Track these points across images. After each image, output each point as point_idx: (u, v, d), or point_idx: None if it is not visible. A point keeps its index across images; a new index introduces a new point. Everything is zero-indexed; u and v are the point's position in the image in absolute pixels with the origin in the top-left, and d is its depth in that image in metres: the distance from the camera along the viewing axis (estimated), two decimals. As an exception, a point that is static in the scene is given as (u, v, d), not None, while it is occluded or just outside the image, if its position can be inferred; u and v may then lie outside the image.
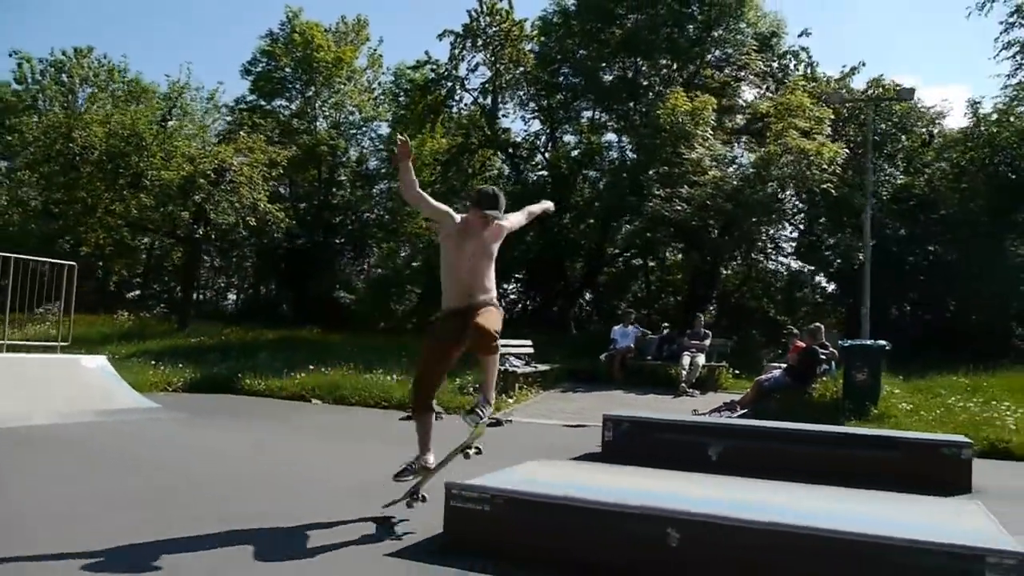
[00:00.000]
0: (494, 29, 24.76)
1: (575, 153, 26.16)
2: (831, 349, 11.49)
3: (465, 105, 26.24)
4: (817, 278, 24.31)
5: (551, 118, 26.06)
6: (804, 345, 11.21)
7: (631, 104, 22.99)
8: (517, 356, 13.20)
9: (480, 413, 4.73)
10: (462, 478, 4.38)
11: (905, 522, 3.79)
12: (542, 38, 24.12)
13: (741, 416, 10.60)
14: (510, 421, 10.60)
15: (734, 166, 17.86)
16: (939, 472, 6.50)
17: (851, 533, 3.40)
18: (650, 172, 17.71)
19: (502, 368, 12.66)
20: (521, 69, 25.25)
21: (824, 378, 11.48)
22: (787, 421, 8.86)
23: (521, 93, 25.98)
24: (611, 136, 25.81)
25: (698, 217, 17.60)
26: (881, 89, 19.11)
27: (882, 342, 11.01)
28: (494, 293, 4.98)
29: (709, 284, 23.84)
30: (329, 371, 13.23)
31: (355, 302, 27.20)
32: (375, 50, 30.77)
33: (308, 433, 9.53)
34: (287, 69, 29.08)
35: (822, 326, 12.09)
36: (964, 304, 18.82)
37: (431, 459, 4.86)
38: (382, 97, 30.65)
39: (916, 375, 13.60)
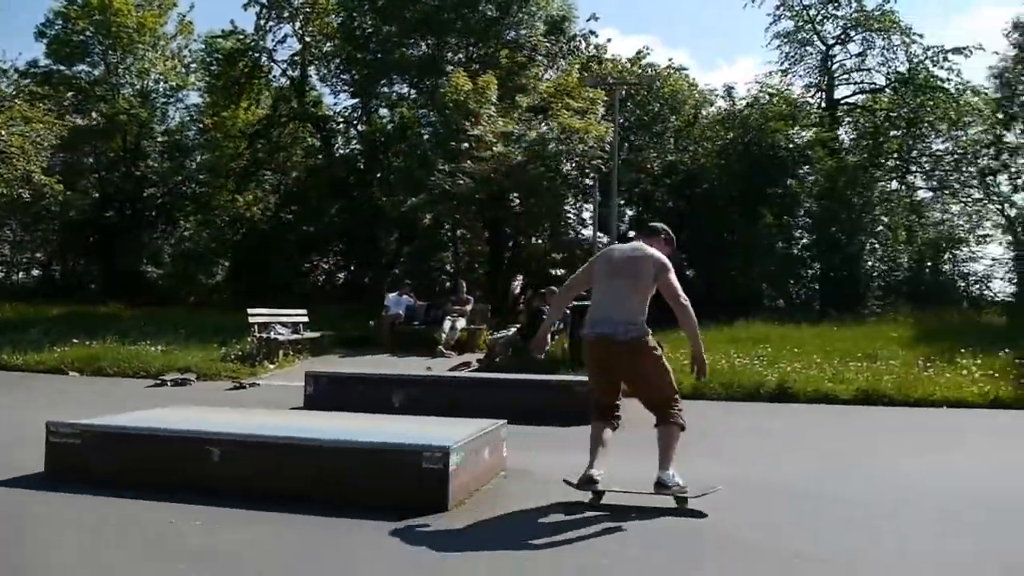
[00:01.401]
0: (300, 1, 24.87)
1: (389, 127, 26.68)
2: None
3: (274, 77, 26.25)
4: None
5: (364, 92, 26.41)
6: (535, 306, 12.44)
7: (435, 81, 23.76)
8: (283, 324, 13.75)
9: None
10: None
11: (398, 431, 4.81)
12: (347, 13, 24.32)
13: (474, 371, 11.76)
14: (256, 385, 11.25)
15: (521, 143, 18.94)
16: (575, 407, 7.72)
17: (334, 440, 4.38)
18: (429, 147, 18.59)
19: (267, 336, 13.30)
20: (330, 43, 25.51)
21: (557, 336, 12.81)
22: (518, 373, 10.08)
23: (332, 66, 26.21)
24: (424, 111, 26.59)
25: (483, 191, 18.68)
26: (644, 70, 20.86)
27: (600, 303, 12.40)
28: None
29: (514, 254, 25.25)
30: (92, 344, 13.35)
31: (162, 276, 26.71)
32: (184, 16, 29.92)
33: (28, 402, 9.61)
34: (87, 33, 27.81)
35: (556, 289, 13.37)
36: (725, 269, 20.95)
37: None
38: (194, 66, 29.91)
39: (672, 331, 15.29)
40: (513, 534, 4.03)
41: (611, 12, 57.97)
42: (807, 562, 3.65)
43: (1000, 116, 22.64)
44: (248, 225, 25.70)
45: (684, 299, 4.51)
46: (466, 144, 18.45)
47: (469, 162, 18.30)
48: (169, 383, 11.19)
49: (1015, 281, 23.39)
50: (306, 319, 14.87)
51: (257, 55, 25.01)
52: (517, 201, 21.53)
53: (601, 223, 22.60)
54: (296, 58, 25.73)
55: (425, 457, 4.21)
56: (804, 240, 23.47)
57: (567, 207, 23.78)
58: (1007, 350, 11.52)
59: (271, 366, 12.77)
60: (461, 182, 18.12)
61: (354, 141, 27.73)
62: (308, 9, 24.48)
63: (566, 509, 4.48)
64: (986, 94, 23.50)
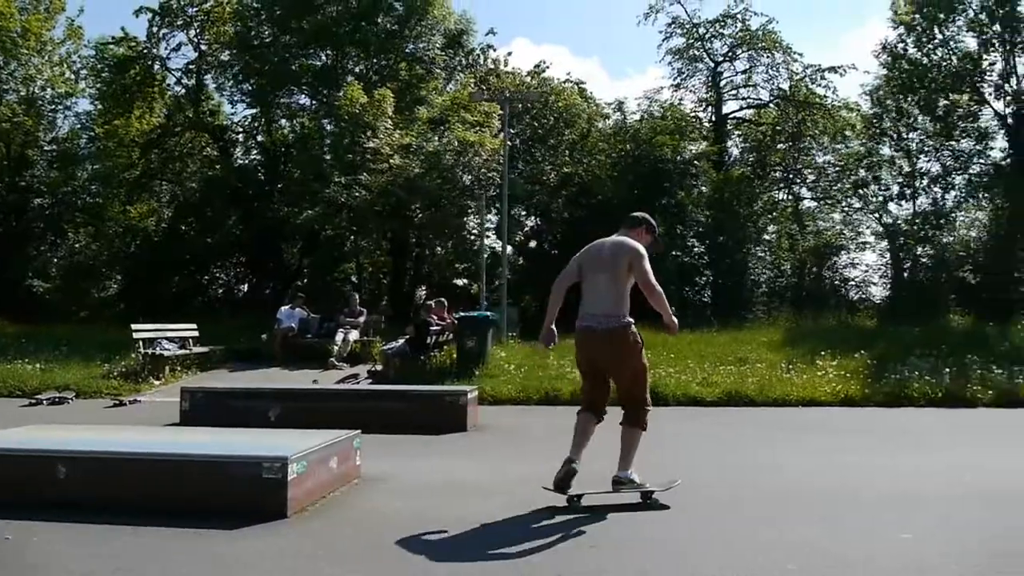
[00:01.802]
0: (194, 9, 24.46)
1: (291, 138, 26.46)
2: (450, 320, 13.09)
3: (169, 85, 25.69)
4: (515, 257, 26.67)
5: (263, 102, 26.11)
6: (420, 318, 12.71)
7: (334, 92, 23.75)
8: (170, 339, 13.58)
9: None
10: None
11: (247, 443, 5.01)
12: (243, 23, 24.05)
13: (363, 382, 11.93)
14: (137, 402, 11.10)
15: (419, 156, 19.18)
16: (442, 416, 8.03)
17: (177, 454, 4.54)
18: (329, 158, 18.65)
19: (153, 351, 13.11)
20: (227, 52, 25.16)
21: (446, 346, 13.11)
22: (401, 385, 10.28)
23: (229, 76, 25.82)
24: (326, 121, 26.50)
25: (380, 203, 18.83)
26: (542, 83, 21.46)
27: (488, 314, 12.80)
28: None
29: (417, 265, 25.45)
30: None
31: (49, 290, 25.72)
32: (73, 20, 28.89)
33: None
34: (-34, 37, 26.58)
35: (444, 301, 13.76)
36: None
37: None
38: (84, 72, 28.92)
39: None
40: (347, 538, 4.27)
41: (523, 22, 58.82)
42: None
43: (871, 131, 24.14)
44: (142, 237, 25.05)
45: (653, 281, 4.75)
46: (361, 156, 18.59)
47: (366, 174, 18.44)
48: (45, 402, 10.91)
49: (888, 286, 24.96)
50: (196, 334, 14.68)
51: (150, 63, 24.44)
52: (419, 213, 21.76)
53: (500, 233, 23.08)
54: (191, 66, 25.27)
55: (264, 468, 4.41)
56: (697, 249, 24.52)
57: (468, 218, 24.14)
58: (863, 352, 12.43)
59: (156, 382, 12.59)
60: (358, 194, 18.24)
61: (254, 151, 27.39)
62: (203, 17, 24.09)
63: (412, 514, 4.74)
64: (859, 111, 25.02)
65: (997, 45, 21.84)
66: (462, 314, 12.99)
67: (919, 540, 4.02)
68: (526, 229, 24.32)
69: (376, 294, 26.11)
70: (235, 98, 26.05)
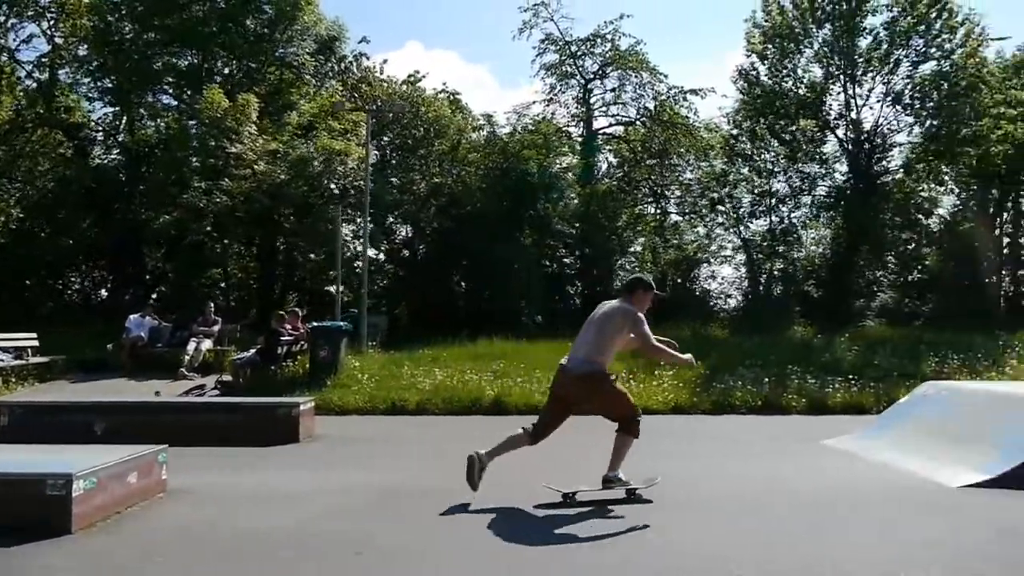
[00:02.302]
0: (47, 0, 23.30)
1: (154, 138, 25.51)
2: (302, 330, 13.05)
3: (18, 79, 24.29)
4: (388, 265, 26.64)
5: (124, 101, 25.09)
6: (271, 328, 12.62)
7: (200, 94, 23.12)
8: (3, 350, 12.93)
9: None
10: None
11: (27, 461, 4.98)
12: (102, 17, 23.06)
13: (210, 393, 11.74)
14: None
15: (284, 162, 18.93)
16: (274, 427, 8.06)
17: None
18: (192, 163, 18.18)
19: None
20: (84, 47, 24.06)
21: (300, 356, 13.06)
22: (253, 396, 10.16)
23: (87, 71, 24.70)
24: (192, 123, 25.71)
25: (243, 209, 18.49)
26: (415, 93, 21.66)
27: (342, 323, 12.86)
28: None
29: (287, 271, 25.05)
30: None
31: None
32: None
33: None
34: None
35: (298, 310, 13.74)
36: (489, 288, 22.04)
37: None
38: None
39: (425, 349, 15.91)
40: (124, 552, 4.29)
41: (415, 25, 58.72)
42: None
43: (728, 151, 25.54)
44: (-13, 238, 23.57)
45: (653, 343, 5.54)
46: (224, 161, 18.21)
47: (227, 180, 18.06)
48: None
49: (741, 298, 26.44)
50: (35, 343, 14.04)
51: (-5, 55, 23.10)
52: (288, 219, 21.47)
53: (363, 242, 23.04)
54: (44, 60, 24.02)
55: (48, 484, 4.40)
56: (567, 260, 25.26)
57: (341, 227, 23.98)
58: (699, 361, 13.17)
59: (-13, 395, 11.95)
60: (219, 200, 17.84)
61: (115, 151, 26.25)
62: (57, 9, 22.95)
63: (205, 526, 4.80)
64: (718, 131, 26.42)
65: (839, 77, 23.55)
66: (315, 324, 12.97)
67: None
68: (397, 239, 24.37)
69: (245, 301, 25.54)
70: (93, 95, 24.96)
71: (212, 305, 15.41)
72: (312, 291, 26.00)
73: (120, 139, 25.75)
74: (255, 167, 18.57)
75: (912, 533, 4.52)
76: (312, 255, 25.12)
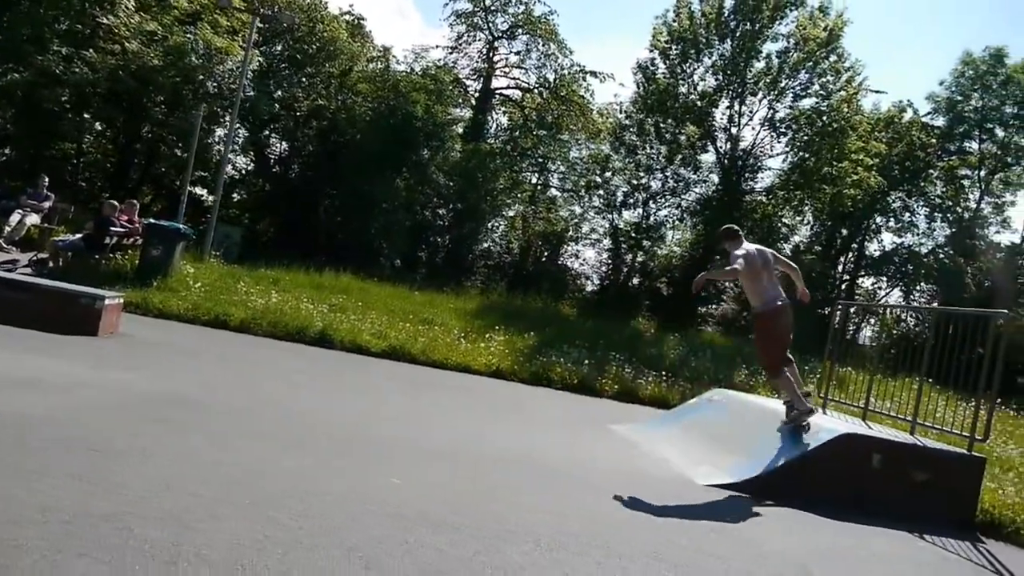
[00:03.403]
0: None
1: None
2: (137, 225, 12.49)
3: None
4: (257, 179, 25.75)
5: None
6: (103, 215, 12.01)
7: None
8: None
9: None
10: None
11: None
12: None
13: (21, 270, 11.07)
14: None
15: (160, 47, 17.79)
16: (73, 317, 7.73)
17: None
18: (60, 25, 16.83)
19: None
20: None
21: (131, 251, 12.50)
22: (67, 281, 9.60)
23: None
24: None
25: (104, 87, 17.35)
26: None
27: (180, 226, 12.38)
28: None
29: (148, 161, 23.78)
30: None
31: None
32: None
33: None
34: None
35: (135, 202, 13.11)
36: (354, 222, 21.74)
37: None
38: None
39: (268, 269, 15.53)
40: None
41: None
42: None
43: (613, 139, 26.15)
44: None
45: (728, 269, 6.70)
46: (92, 31, 16.98)
47: (92, 51, 16.87)
48: None
49: (598, 283, 27.34)
50: None
51: None
52: (160, 109, 20.35)
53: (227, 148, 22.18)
54: None
55: None
56: (440, 211, 25.24)
57: (216, 127, 22.93)
58: (532, 333, 13.61)
59: None
60: (77, 71, 16.65)
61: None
62: None
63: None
64: (610, 117, 26.99)
65: (729, 92, 24.51)
66: (150, 221, 12.44)
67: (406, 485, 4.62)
68: (271, 153, 23.60)
69: (97, 184, 24.07)
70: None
71: (46, 178, 14.37)
72: (170, 188, 24.80)
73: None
74: (126, 44, 17.42)
75: (626, 512, 4.86)
76: (177, 151, 23.99)
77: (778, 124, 24.04)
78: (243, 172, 25.38)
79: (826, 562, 4.40)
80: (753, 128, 24.91)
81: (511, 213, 26.33)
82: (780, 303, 6.82)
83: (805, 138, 23.83)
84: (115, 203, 12.58)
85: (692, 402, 8.99)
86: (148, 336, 8.71)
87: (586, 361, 12.01)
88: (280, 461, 4.52)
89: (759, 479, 6.28)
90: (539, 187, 28.18)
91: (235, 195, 24.96)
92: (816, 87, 23.87)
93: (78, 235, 12.03)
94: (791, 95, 23.99)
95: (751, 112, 24.51)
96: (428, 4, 55.64)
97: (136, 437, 4.46)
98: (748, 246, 6.99)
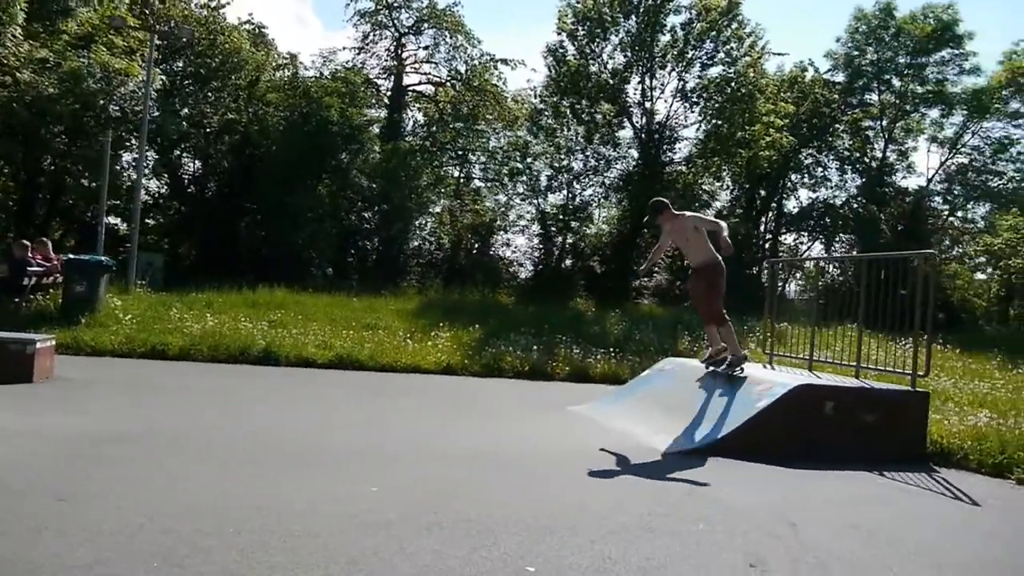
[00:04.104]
0: None
1: None
2: (56, 262, 11.99)
3: None
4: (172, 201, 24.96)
5: None
6: (17, 256, 11.49)
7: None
8: None
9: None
10: None
11: None
12: None
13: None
14: None
15: (55, 75, 17.03)
16: (5, 363, 7.38)
17: None
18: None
19: None
20: None
21: (52, 290, 11.99)
22: None
23: None
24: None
25: None
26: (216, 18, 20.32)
27: (102, 258, 11.93)
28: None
29: (53, 195, 22.84)
30: None
31: None
32: None
33: None
34: None
35: (46, 240, 12.61)
36: (279, 235, 21.30)
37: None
38: None
39: (200, 293, 15.12)
40: None
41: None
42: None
43: (531, 125, 26.28)
44: None
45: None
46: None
47: (-20, 85, 16.05)
48: None
49: (532, 268, 27.50)
50: None
51: None
52: (63, 140, 19.53)
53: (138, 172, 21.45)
54: None
55: None
56: (365, 214, 24.93)
57: (123, 152, 22.14)
58: (476, 326, 13.62)
59: None
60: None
61: None
62: None
63: None
64: (525, 103, 27.10)
65: (638, 68, 24.89)
66: (70, 256, 11.96)
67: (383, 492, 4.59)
68: (183, 173, 22.93)
69: (1, 223, 22.97)
70: None
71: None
72: (81, 221, 23.86)
73: None
74: (17, 75, 16.60)
75: (601, 488, 4.96)
76: (84, 181, 23.07)
77: (689, 94, 24.57)
78: (157, 196, 24.59)
79: (802, 511, 4.56)
80: (666, 101, 25.49)
81: (437, 209, 26.23)
82: (720, 258, 7.35)
83: (716, 106, 24.40)
84: (26, 242, 12.01)
85: (644, 374, 9.14)
86: (85, 376, 8.37)
87: (534, 347, 12.09)
88: (247, 483, 4.43)
89: (720, 440, 6.45)
90: (462, 180, 28.15)
91: (150, 220, 24.15)
92: (721, 55, 24.48)
93: (-6, 279, 11.48)
94: (699, 65, 24.57)
95: (662, 85, 25.02)
96: (327, 9, 54.76)
97: (96, 480, 4.32)
98: (677, 214, 7.61)
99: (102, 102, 17.02)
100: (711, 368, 7.66)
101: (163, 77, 17.84)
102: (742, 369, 7.43)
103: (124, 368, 9.49)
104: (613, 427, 7.31)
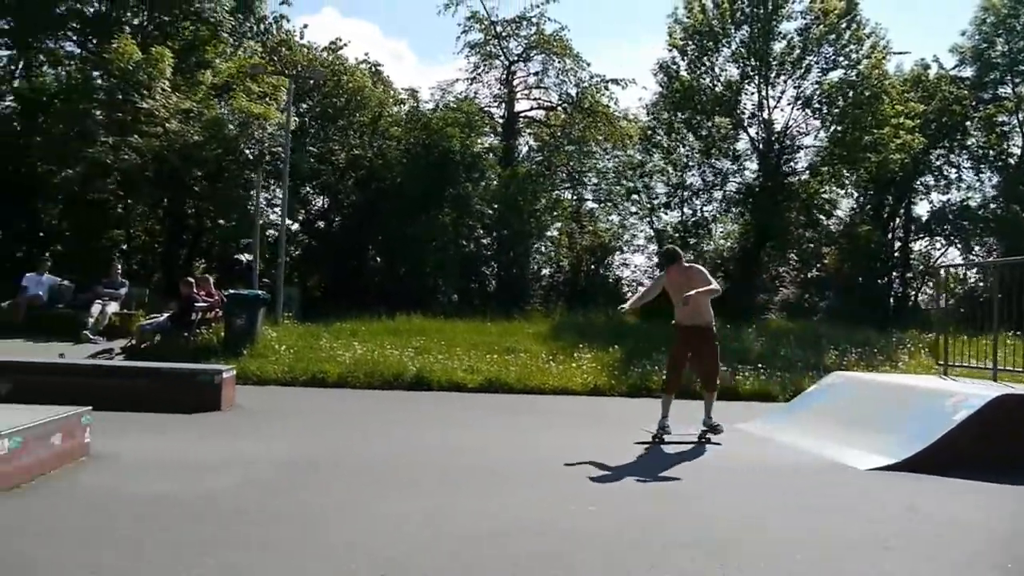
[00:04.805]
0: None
1: (54, 87, 23.99)
2: (218, 297, 12.66)
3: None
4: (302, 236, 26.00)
5: (22, 45, 23.48)
6: (184, 294, 12.20)
7: (107, 43, 21.89)
8: None
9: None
10: None
11: None
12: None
13: (117, 358, 11.25)
14: None
15: (198, 123, 18.19)
16: (196, 395, 7.83)
17: None
18: (97, 116, 17.25)
19: None
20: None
21: (214, 324, 12.67)
22: (163, 362, 9.74)
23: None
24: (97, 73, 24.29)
25: (153, 168, 17.73)
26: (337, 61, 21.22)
27: (259, 292, 12.54)
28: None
29: (195, 236, 24.19)
30: None
31: None
32: None
33: None
34: None
35: (209, 277, 13.28)
36: (404, 265, 21.86)
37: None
38: None
39: (343, 323, 15.66)
40: (57, 514, 4.14)
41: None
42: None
43: (646, 143, 26.08)
44: None
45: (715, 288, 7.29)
46: (133, 117, 17.38)
47: (136, 136, 17.24)
48: None
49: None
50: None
51: None
52: (200, 183, 20.71)
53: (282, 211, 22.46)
54: (-64, -4, 22.20)
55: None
56: (484, 240, 25.27)
57: (252, 192, 23.27)
58: (616, 346, 13.52)
59: None
60: (126, 156, 17.02)
61: (9, 98, 24.55)
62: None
63: (130, 491, 4.65)
64: (637, 122, 26.94)
65: (754, 78, 24.36)
66: (231, 292, 12.61)
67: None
68: (315, 208, 23.90)
69: (149, 265, 24.50)
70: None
71: (119, 266, 14.68)
72: (220, 258, 25.14)
73: (15, 86, 24.10)
74: (167, 125, 17.79)
75: (814, 504, 4.80)
76: (222, 221, 24.34)
77: (809, 101, 23.81)
78: (287, 231, 25.64)
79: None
80: (782, 110, 24.70)
81: (555, 232, 26.29)
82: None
83: (839, 111, 23.54)
84: (191, 279, 12.76)
85: (811, 390, 8.85)
86: (260, 404, 8.77)
87: (680, 365, 11.85)
88: (445, 504, 4.51)
89: (919, 455, 6.15)
90: (575, 202, 28.16)
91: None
92: (841, 58, 23.62)
93: (162, 316, 12.22)
94: (817, 70, 23.79)
95: (779, 94, 24.33)
96: (421, 44, 56.23)
97: (306, 503, 4.51)
98: (688, 266, 7.65)
99: (241, 145, 17.93)
100: (705, 440, 7.33)
101: (296, 118, 18.70)
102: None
103: (291, 396, 9.90)
104: (794, 444, 7.09)
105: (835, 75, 23.82)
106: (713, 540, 3.84)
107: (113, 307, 13.65)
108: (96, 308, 13.37)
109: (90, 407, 5.37)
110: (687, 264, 7.54)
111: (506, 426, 8.29)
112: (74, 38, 23.02)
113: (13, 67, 24.20)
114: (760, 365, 12.22)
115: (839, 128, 23.73)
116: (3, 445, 4.26)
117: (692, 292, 6.95)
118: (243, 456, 5.78)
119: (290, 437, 6.87)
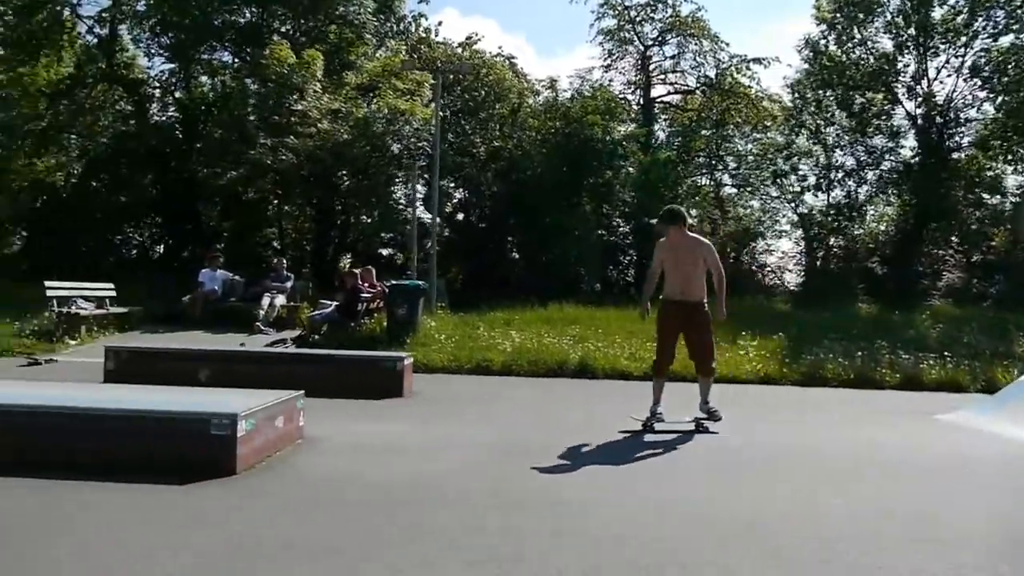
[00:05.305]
0: (109, -47, 23.21)
1: (211, 96, 25.48)
2: (380, 288, 12.98)
3: (79, 34, 24.31)
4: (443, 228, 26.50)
5: (183, 57, 25.03)
6: (350, 285, 12.56)
7: (259, 51, 22.97)
8: (86, 299, 13.03)
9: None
10: None
11: (190, 401, 4.90)
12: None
13: (289, 347, 11.72)
14: (53, 361, 10.61)
15: (347, 122, 18.80)
16: (380, 382, 7.99)
17: (122, 409, 4.40)
18: (253, 119, 18.13)
19: (68, 310, 12.56)
20: (144, 2, 23.99)
21: (376, 314, 13.01)
22: (332, 350, 10.12)
23: (146, 27, 24.61)
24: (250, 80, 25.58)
25: (307, 167, 18.45)
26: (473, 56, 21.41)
27: (419, 282, 12.77)
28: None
29: (342, 233, 25.07)
30: None
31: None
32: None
33: None
34: None
35: (372, 268, 13.60)
36: (546, 255, 21.82)
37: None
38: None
39: (489, 311, 15.79)
40: (298, 495, 4.24)
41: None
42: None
43: (791, 123, 24.93)
44: (49, 192, 23.81)
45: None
46: (288, 119, 18.13)
47: (292, 137, 17.98)
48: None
49: (802, 273, 25.94)
50: (113, 293, 14.14)
51: (58, 8, 23.02)
52: (346, 180, 21.43)
53: (428, 204, 22.92)
54: (105, 15, 23.95)
55: (213, 424, 4.33)
56: (622, 228, 24.91)
57: (395, 187, 23.88)
58: (780, 334, 12.93)
59: (72, 342, 12.06)
60: (284, 157, 17.79)
61: (171, 108, 26.25)
62: (118, -37, 22.86)
63: (356, 473, 4.73)
64: (780, 102, 25.80)
65: (911, 48, 22.82)
66: (393, 282, 12.90)
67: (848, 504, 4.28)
68: (454, 201, 24.26)
69: (299, 260, 25.61)
70: (152, 51, 24.91)
71: (285, 261, 15.33)
72: (363, 253, 25.98)
73: (177, 96, 25.72)
74: (319, 125, 18.45)
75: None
76: (365, 216, 25.14)
77: (977, 69, 22.04)
78: (434, 224, 26.20)
79: None
80: (942, 82, 23.00)
81: (696, 219, 25.59)
82: None
83: (1009, 80, 21.67)
84: (355, 271, 13.15)
85: (1022, 379, 8.09)
86: (436, 391, 8.85)
87: (859, 353, 11.21)
88: (735, 492, 4.30)
89: None
90: (714, 187, 27.31)
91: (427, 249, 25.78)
92: (1013, 21, 21.71)
93: (331, 307, 12.65)
94: (985, 36, 21.99)
95: (941, 64, 22.68)
96: (540, 38, 56.04)
97: (532, 489, 4.41)
98: (692, 236, 6.91)
99: (389, 142, 18.37)
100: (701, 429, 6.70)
101: (442, 114, 18.98)
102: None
103: (463, 383, 9.98)
104: (1015, 437, 6.47)
105: (1006, 40, 21.96)
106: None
107: (281, 299, 14.25)
108: (266, 301, 13.99)
109: (302, 391, 5.50)
110: (693, 236, 6.84)
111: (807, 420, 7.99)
112: (229, 48, 24.27)
113: (175, 79, 25.85)
114: (948, 353, 11.34)
115: (1010, 98, 21.87)
116: (241, 427, 4.39)
117: (717, 287, 6.81)
118: (452, 440, 5.81)
119: (489, 422, 6.87)
